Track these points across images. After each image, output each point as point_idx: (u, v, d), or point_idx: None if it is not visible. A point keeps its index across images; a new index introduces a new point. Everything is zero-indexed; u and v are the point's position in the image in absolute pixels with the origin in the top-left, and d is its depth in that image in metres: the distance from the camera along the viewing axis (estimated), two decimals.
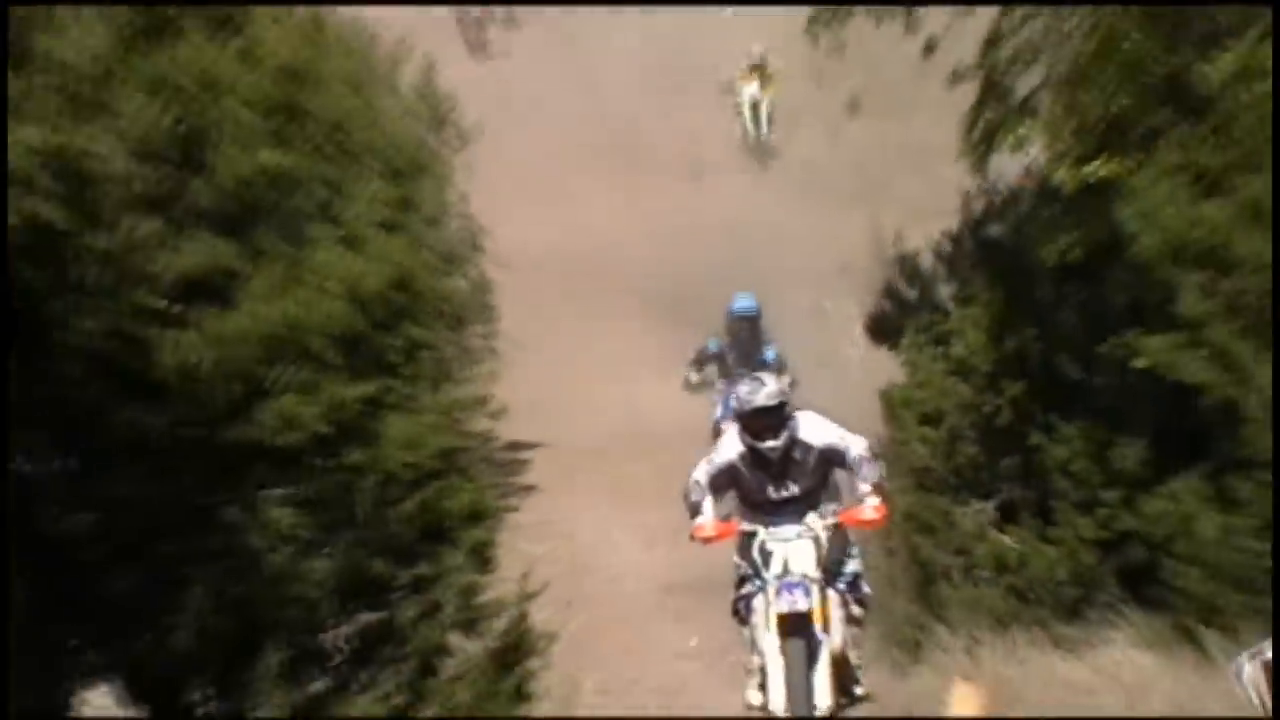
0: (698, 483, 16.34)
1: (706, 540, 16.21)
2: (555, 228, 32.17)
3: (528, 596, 17.63)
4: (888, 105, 35.06)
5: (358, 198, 16.56)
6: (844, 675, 16.65)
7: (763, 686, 16.37)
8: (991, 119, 25.89)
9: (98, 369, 13.12)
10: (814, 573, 15.90)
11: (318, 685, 15.57)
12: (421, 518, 16.76)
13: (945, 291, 26.94)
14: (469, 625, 17.14)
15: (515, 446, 18.38)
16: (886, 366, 27.54)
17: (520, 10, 56.92)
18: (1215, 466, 20.95)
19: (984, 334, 25.22)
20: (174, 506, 13.82)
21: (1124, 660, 18.08)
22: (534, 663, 17.43)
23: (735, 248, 41.76)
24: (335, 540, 15.27)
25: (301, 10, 18.09)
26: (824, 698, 15.91)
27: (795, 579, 15.86)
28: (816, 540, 16.07)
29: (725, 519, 16.54)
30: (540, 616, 17.67)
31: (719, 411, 24.11)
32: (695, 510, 16.43)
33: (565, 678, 18.02)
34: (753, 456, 16.18)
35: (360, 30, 18.75)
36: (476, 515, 17.42)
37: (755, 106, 44.50)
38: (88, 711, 14.10)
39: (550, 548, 17.91)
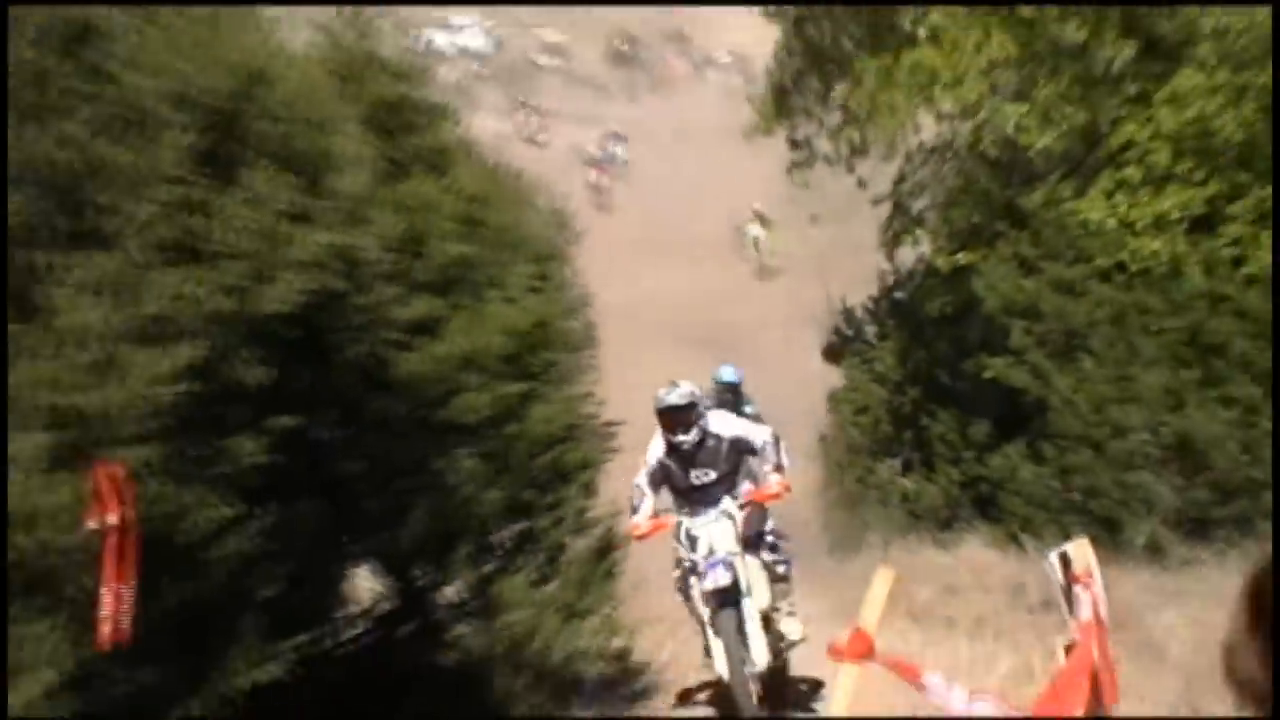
0: (638, 486, 14.47)
1: (640, 537, 14.48)
2: (631, 292, 32.46)
3: (614, 514, 17.79)
4: (836, 218, 35.43)
5: (514, 273, 16.92)
6: (775, 627, 14.27)
7: (708, 648, 14.05)
8: (898, 226, 26.32)
9: (361, 376, 13.50)
10: (734, 547, 13.63)
11: (489, 567, 15.84)
12: (552, 466, 16.92)
13: (870, 331, 27.28)
14: (579, 531, 17.29)
15: (608, 423, 18.62)
16: (833, 378, 27.96)
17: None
18: (1031, 437, 21.42)
19: (894, 357, 25.67)
20: (406, 458, 14.22)
21: (976, 554, 18.40)
22: (618, 554, 17.55)
23: (741, 305, 42.45)
24: (500, 479, 15.59)
25: (481, 160, 18.59)
26: (760, 655, 13.52)
27: (717, 558, 13.54)
28: (732, 519, 13.77)
29: (657, 515, 14.40)
30: (621, 527, 17.88)
31: None
32: (634, 511, 14.67)
33: (637, 565, 18.19)
34: (671, 450, 14.12)
35: (517, 173, 19.08)
36: (585, 465, 17.60)
37: (756, 241, 45.27)
38: (356, 580, 14.56)
39: (627, 483, 18.21)
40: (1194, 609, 13.03)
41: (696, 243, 49.25)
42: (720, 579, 13.51)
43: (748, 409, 20.20)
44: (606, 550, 17.31)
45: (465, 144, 17.85)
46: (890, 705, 9.29)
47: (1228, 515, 18.81)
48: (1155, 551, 18.05)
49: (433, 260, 15.31)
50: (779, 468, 14.06)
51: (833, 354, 28.05)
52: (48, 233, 10.83)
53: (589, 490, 17.49)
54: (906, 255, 26.50)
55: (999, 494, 21.53)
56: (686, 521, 13.94)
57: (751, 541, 14.24)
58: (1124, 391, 20.17)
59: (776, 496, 13.92)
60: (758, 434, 14.19)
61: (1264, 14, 19.69)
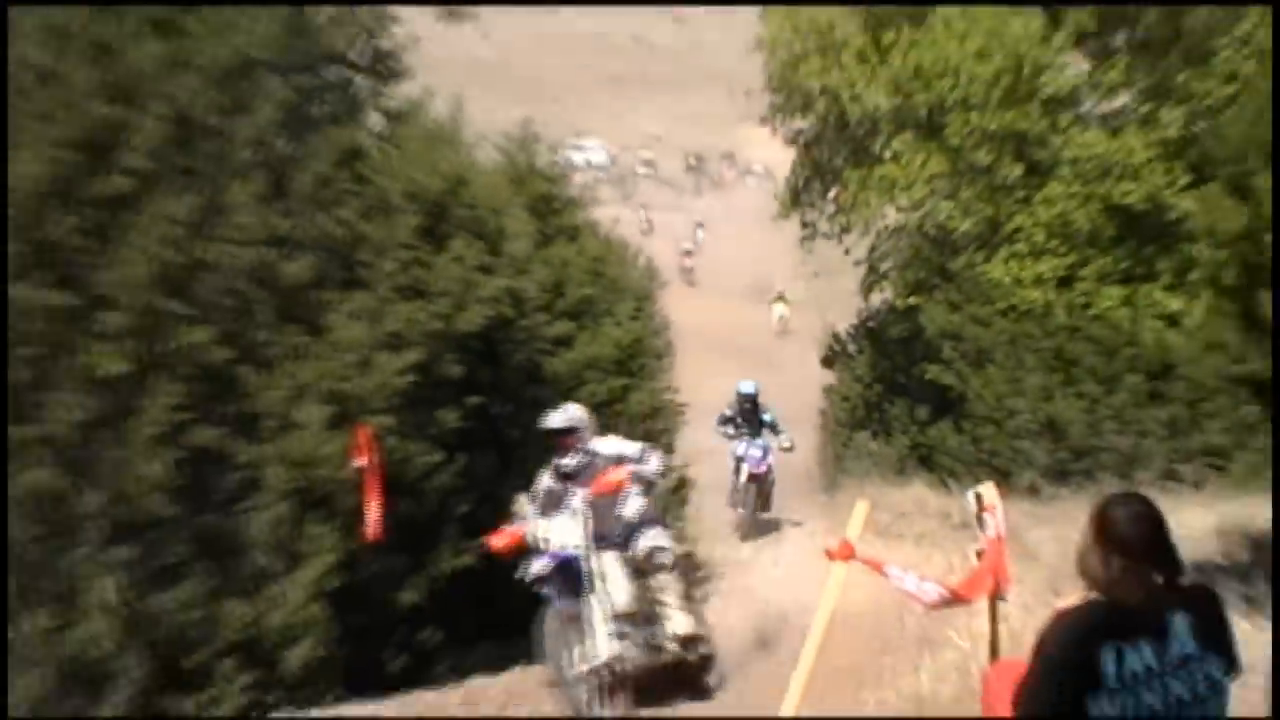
0: (515, 511, 10.33)
1: (496, 551, 10.05)
2: (695, 319, 32.34)
3: (684, 465, 17.43)
4: (831, 273, 35.18)
5: (621, 307, 16.83)
6: (662, 623, 10.11)
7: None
8: (871, 279, 26.25)
9: (522, 372, 13.55)
10: (578, 541, 9.60)
11: None
12: (644, 431, 16.85)
13: (852, 348, 27.13)
14: (663, 474, 17.10)
15: (680, 404, 18.53)
16: (828, 377, 27.82)
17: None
18: (955, 417, 21.37)
19: (867, 365, 25.48)
20: None
21: (919, 492, 18.20)
22: (686, 490, 17.24)
23: (768, 332, 42.30)
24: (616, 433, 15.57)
25: (600, 233, 18.63)
26: (602, 648, 9.40)
27: (554, 551, 9.57)
28: (575, 514, 9.68)
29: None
30: (691, 471, 17.55)
31: (739, 451, 19.03)
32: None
33: (698, 500, 17.80)
34: (557, 471, 10.16)
35: (624, 244, 19.03)
36: (665, 430, 17.42)
37: (781, 317, 44.03)
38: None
39: (695, 442, 18.00)
40: (1057, 528, 12.99)
41: (739, 290, 49.36)
42: (538, 569, 9.62)
43: (766, 416, 19.38)
44: (680, 486, 17.18)
45: (590, 223, 17.93)
46: (866, 591, 9.33)
47: (1079, 469, 19.37)
48: (1034, 491, 18.09)
49: (569, 298, 15.39)
50: (636, 462, 10.04)
51: (828, 361, 27.85)
52: (330, 280, 11.03)
53: (669, 448, 17.34)
54: (876, 298, 26.41)
55: (934, 454, 21.54)
56: (540, 526, 9.82)
57: (612, 536, 9.95)
58: (1014, 389, 20.44)
59: (616, 486, 9.61)
60: (632, 448, 10.24)
61: (1103, 146, 20.68)
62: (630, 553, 9.98)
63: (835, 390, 27.03)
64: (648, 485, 10.16)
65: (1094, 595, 4.25)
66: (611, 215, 22.54)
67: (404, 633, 11.39)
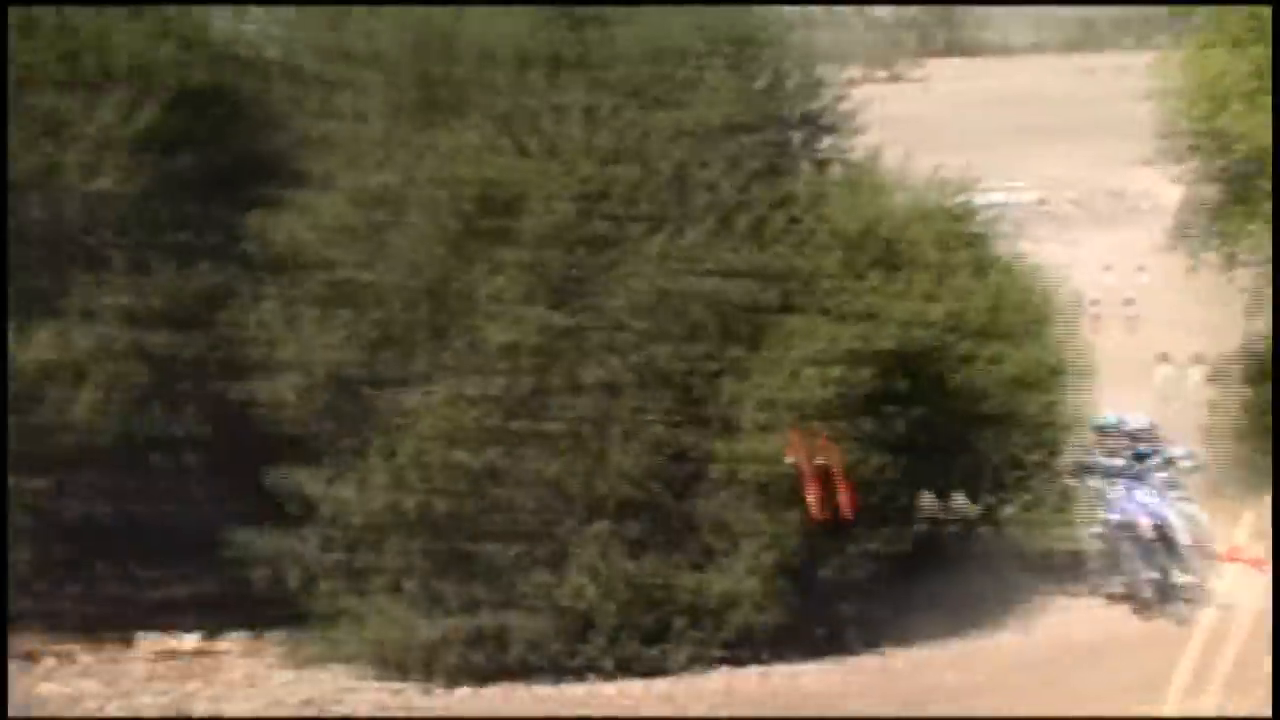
0: None
1: None
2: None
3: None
4: (1216, 300, 32.61)
5: (1049, 332, 16.07)
6: None
7: None
8: (1255, 305, 24.56)
9: (963, 391, 13.46)
10: None
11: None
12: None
13: (1237, 369, 25.32)
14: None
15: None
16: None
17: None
18: None
19: (1250, 384, 23.67)
20: (975, 438, 13.76)
21: None
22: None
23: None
24: (1037, 451, 14.83)
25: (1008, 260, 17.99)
26: None
27: None
28: None
29: None
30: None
31: (1129, 507, 12.33)
32: None
33: None
34: None
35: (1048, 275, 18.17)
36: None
37: (1166, 382, 35.32)
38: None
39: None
40: None
41: (1124, 317, 46.38)
42: None
43: (1177, 451, 13.71)
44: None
45: (1017, 257, 17.46)
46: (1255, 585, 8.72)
47: None
48: None
49: (1001, 322, 14.58)
50: None
51: (1213, 380, 26.09)
52: (762, 309, 11.23)
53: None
54: (1259, 324, 24.50)
55: None
56: None
57: None
58: None
59: None
60: None
61: None
62: None
63: (1219, 406, 25.25)
64: None
65: None
66: (1030, 251, 21.80)
67: (850, 603, 11.57)
